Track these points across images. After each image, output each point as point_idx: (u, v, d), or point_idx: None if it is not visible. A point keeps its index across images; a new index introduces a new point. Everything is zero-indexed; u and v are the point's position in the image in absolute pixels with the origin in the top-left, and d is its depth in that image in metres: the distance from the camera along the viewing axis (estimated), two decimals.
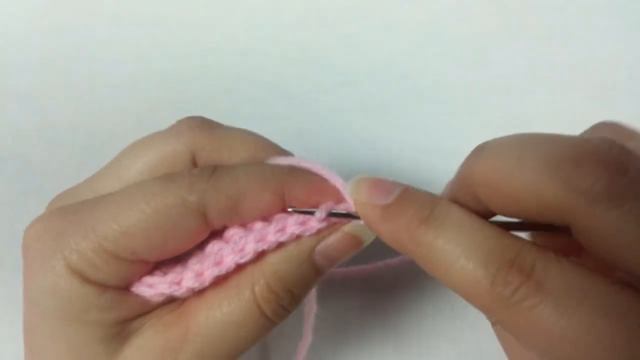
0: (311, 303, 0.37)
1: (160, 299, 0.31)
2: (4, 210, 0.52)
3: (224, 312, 0.30)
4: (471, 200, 0.29)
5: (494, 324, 0.31)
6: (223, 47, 0.61)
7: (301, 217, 0.31)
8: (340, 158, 0.55)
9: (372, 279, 0.48)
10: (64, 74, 0.59)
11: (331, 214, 0.31)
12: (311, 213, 0.31)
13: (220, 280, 0.31)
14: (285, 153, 0.35)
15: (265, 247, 0.30)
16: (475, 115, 0.57)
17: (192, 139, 0.33)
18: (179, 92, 0.59)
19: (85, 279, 0.29)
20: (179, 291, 0.31)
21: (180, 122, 0.35)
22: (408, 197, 0.28)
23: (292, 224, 0.31)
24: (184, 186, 0.29)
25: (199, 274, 0.31)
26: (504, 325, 0.25)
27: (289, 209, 0.31)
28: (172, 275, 0.31)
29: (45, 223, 0.31)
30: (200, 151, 0.33)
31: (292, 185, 0.31)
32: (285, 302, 0.30)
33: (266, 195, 0.30)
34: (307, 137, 0.56)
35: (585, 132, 0.34)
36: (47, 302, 0.30)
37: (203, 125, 0.34)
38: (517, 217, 0.28)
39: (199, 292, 0.32)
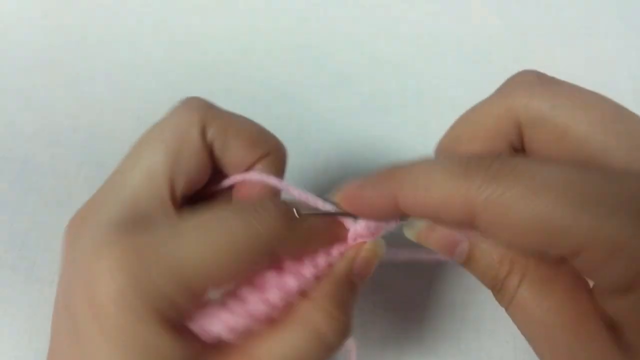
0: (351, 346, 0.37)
1: (219, 327, 0.29)
2: (4, 210, 0.52)
3: (286, 340, 0.29)
4: None
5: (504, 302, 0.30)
6: (223, 47, 0.61)
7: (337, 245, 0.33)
8: (340, 158, 0.55)
9: (372, 279, 0.48)
10: (64, 74, 0.59)
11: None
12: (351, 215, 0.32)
13: (278, 318, 0.31)
14: (275, 143, 0.37)
15: (321, 262, 0.32)
16: None
17: (204, 117, 0.35)
18: (179, 92, 0.59)
19: (170, 325, 0.27)
20: (238, 317, 0.29)
21: (189, 102, 0.37)
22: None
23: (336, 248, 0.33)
24: (269, 230, 0.29)
25: (264, 300, 0.30)
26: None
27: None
28: (231, 303, 0.30)
29: (119, 263, 0.27)
30: (208, 127, 0.35)
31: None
32: (341, 321, 0.31)
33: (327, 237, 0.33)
34: (307, 137, 0.56)
35: (505, 82, 0.35)
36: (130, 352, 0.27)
37: (211, 105, 0.37)
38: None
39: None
